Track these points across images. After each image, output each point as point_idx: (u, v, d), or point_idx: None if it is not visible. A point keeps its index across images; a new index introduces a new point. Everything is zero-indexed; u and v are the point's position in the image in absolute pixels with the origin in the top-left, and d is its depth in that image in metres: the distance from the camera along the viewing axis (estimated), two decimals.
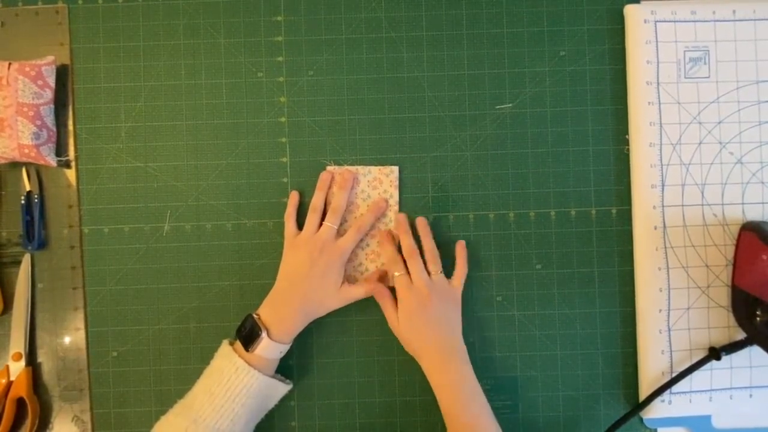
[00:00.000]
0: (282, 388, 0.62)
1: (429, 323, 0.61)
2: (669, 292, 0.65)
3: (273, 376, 0.61)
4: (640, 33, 0.65)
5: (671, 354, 0.64)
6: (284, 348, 0.61)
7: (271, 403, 0.62)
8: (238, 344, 0.60)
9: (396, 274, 0.62)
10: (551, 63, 0.67)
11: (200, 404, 0.57)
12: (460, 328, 0.62)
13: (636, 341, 0.66)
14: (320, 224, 0.63)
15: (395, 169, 0.66)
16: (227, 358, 0.59)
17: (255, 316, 0.61)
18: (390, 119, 0.67)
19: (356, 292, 0.63)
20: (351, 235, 0.62)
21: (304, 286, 0.61)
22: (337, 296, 0.62)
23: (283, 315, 0.61)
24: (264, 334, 0.59)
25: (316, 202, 0.64)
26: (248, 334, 0.60)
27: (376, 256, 0.65)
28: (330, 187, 0.65)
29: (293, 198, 0.65)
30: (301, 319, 0.61)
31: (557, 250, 0.66)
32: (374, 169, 0.66)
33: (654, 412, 0.64)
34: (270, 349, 0.59)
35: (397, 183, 0.66)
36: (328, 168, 0.66)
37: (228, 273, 0.66)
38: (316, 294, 0.61)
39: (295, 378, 0.66)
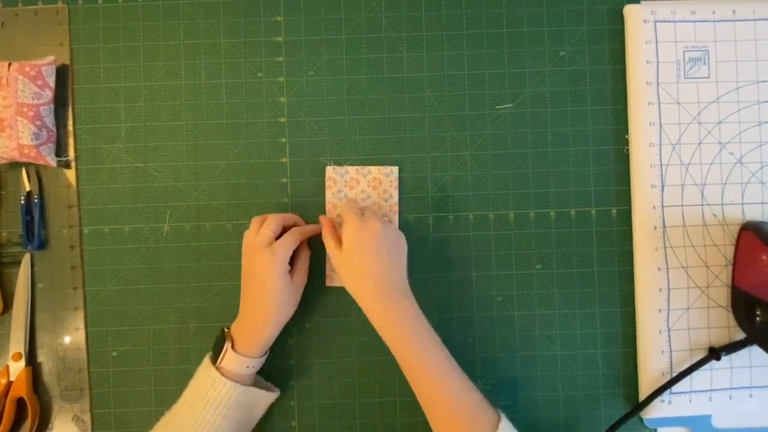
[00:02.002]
0: (266, 397, 0.62)
1: (371, 255, 0.58)
2: (669, 292, 0.65)
3: (253, 385, 0.60)
4: (640, 33, 0.65)
5: (671, 354, 0.65)
6: (252, 362, 0.59)
7: (258, 413, 0.62)
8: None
9: (337, 212, 0.60)
10: (551, 63, 0.67)
11: (182, 418, 0.57)
12: (405, 266, 0.60)
13: (636, 341, 0.66)
14: None
15: (395, 169, 0.66)
16: (206, 371, 0.59)
17: (225, 329, 0.60)
18: (390, 119, 0.67)
19: (302, 267, 0.62)
20: (286, 237, 0.60)
21: (252, 294, 0.60)
22: (288, 294, 0.60)
23: (245, 325, 0.60)
24: (227, 346, 0.59)
25: (260, 219, 0.61)
26: (217, 346, 0.60)
27: None
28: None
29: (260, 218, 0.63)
30: (261, 327, 0.60)
31: (557, 250, 0.66)
32: (374, 169, 0.66)
33: (654, 412, 0.64)
34: (235, 361, 0.59)
35: (396, 183, 0.66)
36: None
37: (228, 273, 0.66)
38: (264, 300, 0.59)
39: (295, 378, 0.66)
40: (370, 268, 0.58)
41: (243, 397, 0.58)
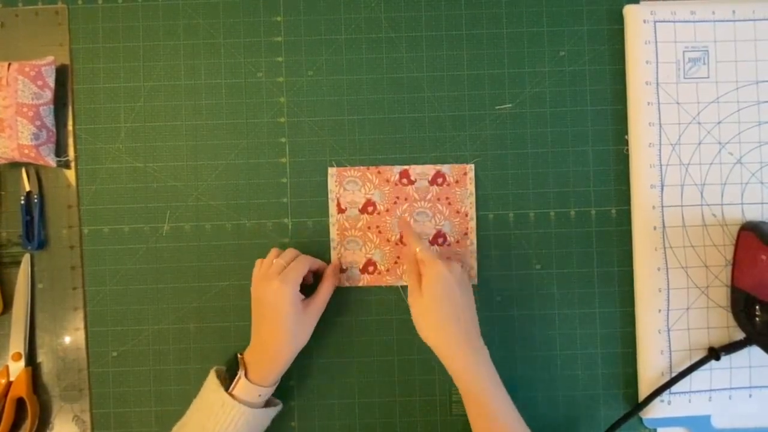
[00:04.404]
0: (272, 412, 0.62)
1: (455, 303, 0.57)
2: (668, 292, 0.65)
3: (264, 406, 0.61)
4: (640, 33, 0.65)
5: (671, 354, 0.65)
6: (263, 391, 0.59)
7: (264, 428, 0.62)
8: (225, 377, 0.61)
9: (418, 249, 0.59)
10: (551, 63, 0.67)
11: None
12: (476, 324, 0.59)
13: (636, 341, 0.66)
14: None
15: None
16: (215, 393, 0.59)
17: (239, 356, 0.61)
18: (390, 119, 0.67)
19: (321, 296, 0.62)
20: (295, 263, 0.60)
21: (266, 324, 0.60)
22: (303, 320, 0.60)
23: (259, 354, 0.60)
24: (241, 374, 0.59)
25: (274, 253, 0.62)
26: (230, 370, 0.60)
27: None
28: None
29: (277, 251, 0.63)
30: (275, 358, 0.60)
31: (557, 250, 0.66)
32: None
33: (653, 412, 0.64)
34: (247, 390, 0.59)
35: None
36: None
37: (228, 273, 0.66)
38: (278, 331, 0.59)
39: (295, 378, 0.66)
40: (453, 315, 0.57)
41: (253, 419, 0.59)
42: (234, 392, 0.59)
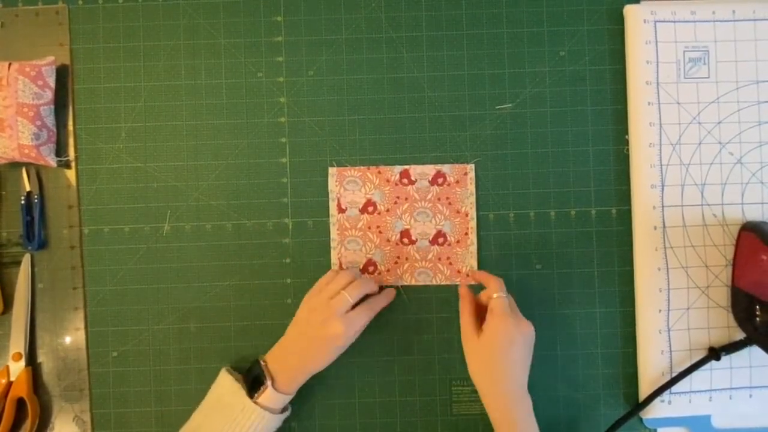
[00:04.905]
0: (286, 415, 0.62)
1: (513, 359, 0.57)
2: (668, 292, 0.65)
3: (282, 411, 0.61)
4: (640, 33, 0.65)
5: (671, 354, 0.65)
6: (288, 399, 0.61)
7: (276, 430, 0.62)
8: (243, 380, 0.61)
9: (495, 295, 0.58)
10: (551, 63, 0.67)
11: None
12: (527, 377, 0.58)
13: (636, 341, 0.66)
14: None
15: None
16: (234, 396, 0.59)
17: (262, 362, 0.60)
18: (390, 119, 0.67)
19: (359, 331, 0.61)
20: (362, 311, 0.60)
21: (309, 346, 0.60)
22: (344, 348, 0.61)
23: (289, 366, 0.60)
24: (269, 383, 0.59)
25: (347, 278, 0.61)
26: (254, 381, 0.60)
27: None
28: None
29: (339, 268, 0.65)
30: (306, 372, 0.61)
31: (557, 250, 0.66)
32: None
33: (654, 412, 0.64)
34: (273, 399, 0.59)
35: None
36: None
37: (228, 273, 0.66)
38: (320, 355, 0.60)
39: None
40: (509, 371, 0.57)
41: (272, 424, 0.59)
42: (259, 400, 0.58)
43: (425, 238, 0.66)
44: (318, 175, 0.66)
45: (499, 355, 0.56)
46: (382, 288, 0.65)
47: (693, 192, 0.65)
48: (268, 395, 0.59)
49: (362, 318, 0.60)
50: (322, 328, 0.59)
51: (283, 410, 0.61)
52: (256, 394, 0.58)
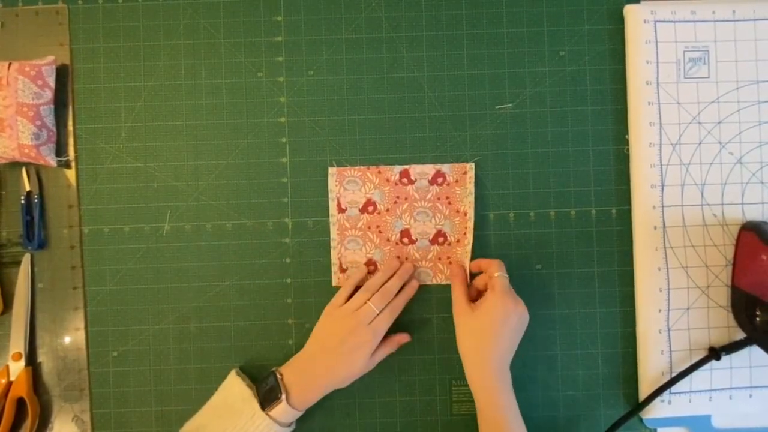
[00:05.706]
0: (290, 429, 0.61)
1: (505, 337, 0.58)
2: (668, 292, 0.65)
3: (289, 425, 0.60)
4: (640, 33, 0.65)
5: (671, 354, 0.65)
6: (297, 415, 0.60)
7: None
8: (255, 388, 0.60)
9: (497, 274, 0.59)
10: (551, 63, 0.67)
11: None
12: (512, 355, 0.60)
13: (636, 341, 0.66)
14: None
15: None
16: (245, 403, 0.58)
17: (278, 375, 0.60)
18: (390, 119, 0.67)
19: (381, 354, 0.62)
20: (385, 317, 0.60)
21: (331, 360, 0.60)
22: (364, 368, 0.61)
23: (306, 380, 0.60)
24: (283, 397, 0.58)
25: (374, 283, 0.62)
26: (267, 393, 0.59)
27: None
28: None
29: (358, 273, 0.64)
30: (323, 388, 0.60)
31: (557, 250, 0.66)
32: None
33: (654, 412, 0.64)
34: (285, 413, 0.58)
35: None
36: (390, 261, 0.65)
37: (228, 273, 0.66)
38: (341, 369, 0.60)
39: None
40: (498, 345, 0.58)
41: None
42: (272, 414, 0.58)
43: (425, 238, 0.66)
44: (318, 174, 0.66)
45: (492, 329, 0.58)
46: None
47: (693, 192, 0.65)
48: (281, 409, 0.58)
49: (385, 322, 0.60)
50: (342, 343, 0.59)
51: (290, 424, 0.61)
52: (268, 407, 0.58)
